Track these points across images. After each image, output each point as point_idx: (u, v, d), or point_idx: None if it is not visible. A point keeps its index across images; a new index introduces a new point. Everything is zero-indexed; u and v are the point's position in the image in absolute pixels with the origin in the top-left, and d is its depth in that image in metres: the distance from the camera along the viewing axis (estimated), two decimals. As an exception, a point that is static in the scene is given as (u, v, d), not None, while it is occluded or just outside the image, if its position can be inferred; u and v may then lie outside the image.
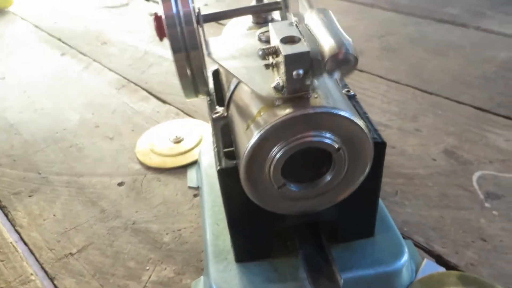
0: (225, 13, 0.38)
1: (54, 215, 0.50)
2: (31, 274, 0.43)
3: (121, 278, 0.42)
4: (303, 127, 0.28)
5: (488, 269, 0.40)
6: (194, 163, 0.55)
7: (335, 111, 0.29)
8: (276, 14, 0.42)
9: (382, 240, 0.38)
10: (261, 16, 0.40)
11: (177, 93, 0.72)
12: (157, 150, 0.58)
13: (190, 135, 0.59)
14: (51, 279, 0.43)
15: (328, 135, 0.29)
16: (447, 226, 0.44)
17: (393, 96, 0.66)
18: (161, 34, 0.35)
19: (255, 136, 0.28)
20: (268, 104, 0.30)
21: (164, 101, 0.70)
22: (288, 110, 0.28)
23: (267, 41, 0.36)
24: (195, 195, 0.51)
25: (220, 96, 0.40)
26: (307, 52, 0.27)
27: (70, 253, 0.45)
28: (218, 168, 0.32)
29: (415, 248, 0.42)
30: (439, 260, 0.41)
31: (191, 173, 0.54)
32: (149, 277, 0.42)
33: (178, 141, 0.58)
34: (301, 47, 0.27)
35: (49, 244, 0.46)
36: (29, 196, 0.53)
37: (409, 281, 0.38)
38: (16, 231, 0.49)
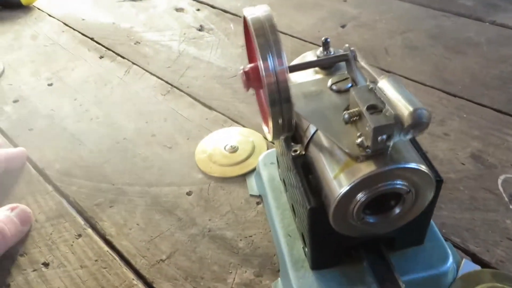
0: (299, 66, 0.44)
1: (137, 224, 0.58)
2: (133, 279, 0.51)
3: (210, 281, 0.50)
4: (382, 178, 0.36)
5: (515, 265, 0.49)
6: (251, 171, 0.63)
7: (407, 165, 0.36)
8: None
9: (430, 247, 0.47)
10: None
11: (219, 97, 0.79)
12: (215, 159, 0.65)
13: (243, 144, 0.67)
14: (150, 283, 0.51)
15: (400, 181, 0.37)
16: (478, 227, 0.53)
17: (421, 99, 0.71)
18: (250, 86, 0.42)
19: (346, 187, 0.36)
20: (353, 158, 0.37)
21: (210, 107, 0.77)
22: (372, 168, 0.35)
23: (339, 91, 0.43)
24: (257, 203, 0.59)
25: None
26: (393, 124, 0.34)
27: (161, 259, 0.53)
28: (308, 207, 0.39)
29: (454, 249, 0.51)
30: (474, 258, 0.50)
31: (251, 182, 0.62)
32: (234, 280, 0.50)
33: (233, 151, 0.66)
34: (386, 119, 0.34)
35: (140, 251, 0.54)
36: (110, 207, 0.60)
37: (453, 279, 0.47)
38: (107, 240, 0.57)
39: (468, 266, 0.48)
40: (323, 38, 0.46)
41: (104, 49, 0.96)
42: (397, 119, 0.34)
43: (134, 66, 0.90)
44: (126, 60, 0.92)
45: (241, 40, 0.93)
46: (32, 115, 0.79)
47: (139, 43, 0.98)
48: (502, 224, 0.53)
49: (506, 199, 0.56)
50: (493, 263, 0.49)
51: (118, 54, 0.94)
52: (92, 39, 1.00)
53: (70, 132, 0.74)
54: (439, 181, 0.40)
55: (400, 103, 0.34)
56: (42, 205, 0.61)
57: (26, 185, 0.65)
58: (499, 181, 0.58)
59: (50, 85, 0.86)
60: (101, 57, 0.94)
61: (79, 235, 0.57)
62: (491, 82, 0.75)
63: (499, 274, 0.47)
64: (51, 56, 0.95)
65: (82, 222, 0.58)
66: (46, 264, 0.54)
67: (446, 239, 0.51)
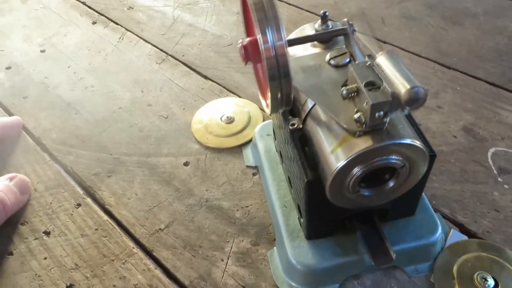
0: (298, 40, 0.44)
1: (136, 194, 0.59)
2: (133, 247, 0.53)
3: (208, 249, 0.52)
4: (378, 154, 0.37)
5: (500, 236, 0.51)
6: (247, 142, 0.64)
7: (402, 141, 0.37)
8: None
9: (420, 218, 0.49)
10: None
11: (214, 67, 0.78)
12: (211, 130, 0.65)
13: (239, 115, 0.67)
14: (150, 251, 0.53)
15: (395, 156, 0.38)
16: (467, 198, 0.55)
17: (416, 70, 0.73)
18: (248, 59, 0.42)
19: (343, 161, 0.37)
20: (350, 133, 0.38)
21: (205, 77, 0.76)
22: (369, 143, 0.36)
23: (337, 66, 0.43)
24: (253, 174, 0.60)
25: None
26: (390, 101, 0.34)
27: (160, 229, 0.55)
28: (306, 180, 0.40)
29: (443, 220, 0.52)
30: (462, 228, 0.52)
31: (247, 153, 0.62)
32: (231, 248, 0.52)
33: (229, 122, 0.66)
34: (384, 95, 0.35)
35: (140, 221, 0.56)
36: (108, 177, 0.61)
37: (441, 249, 0.49)
38: (106, 209, 0.58)
39: (456, 236, 0.50)
40: (321, 12, 0.46)
41: (97, 14, 0.94)
42: (394, 96, 0.35)
43: (128, 32, 0.88)
44: (119, 26, 0.90)
45: (237, 7, 0.92)
46: (26, 83, 0.78)
47: (132, 8, 0.96)
48: (490, 196, 0.55)
49: (495, 171, 0.57)
50: (479, 234, 0.51)
51: (111, 20, 0.92)
52: (84, 3, 0.98)
53: (65, 100, 0.74)
54: (432, 156, 0.41)
55: (398, 80, 0.35)
56: (41, 174, 0.62)
57: (23, 154, 0.65)
58: (489, 154, 0.59)
59: (42, 51, 0.85)
60: (94, 23, 0.92)
61: (79, 205, 0.58)
62: (486, 54, 0.75)
63: (485, 244, 0.49)
64: (42, 21, 0.93)
65: (81, 191, 0.59)
66: (47, 233, 0.55)
67: (436, 210, 0.53)
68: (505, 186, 0.56)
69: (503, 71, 0.71)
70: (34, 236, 0.55)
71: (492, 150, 0.60)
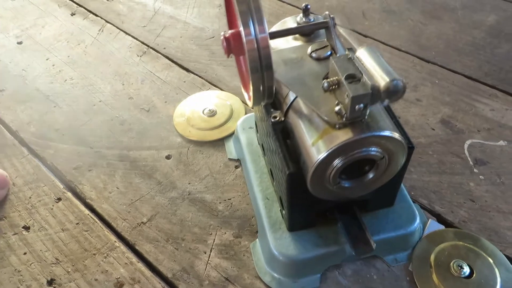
0: (280, 32, 0.44)
1: (117, 188, 0.58)
2: (115, 241, 0.53)
3: (190, 242, 0.52)
4: (358, 145, 0.37)
5: (476, 225, 0.52)
6: (230, 135, 0.64)
7: (382, 133, 0.38)
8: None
9: (399, 208, 0.50)
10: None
11: (196, 60, 0.78)
12: (193, 123, 0.65)
13: (221, 108, 0.67)
14: (133, 245, 0.53)
15: (375, 148, 0.38)
16: (444, 189, 0.56)
17: (396, 64, 0.74)
18: (231, 52, 0.42)
19: (324, 153, 0.37)
20: (331, 125, 0.38)
21: (187, 70, 0.76)
22: (349, 135, 0.37)
23: (318, 59, 0.43)
24: (236, 167, 0.60)
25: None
26: (369, 93, 0.35)
27: (142, 222, 0.55)
28: (287, 172, 0.41)
29: (422, 210, 0.54)
30: (439, 218, 0.53)
31: (229, 146, 0.63)
32: (214, 241, 0.52)
33: (211, 115, 0.66)
34: (364, 88, 0.35)
35: (121, 214, 0.55)
36: (89, 171, 0.61)
37: (419, 238, 0.50)
38: (87, 204, 0.57)
39: (433, 226, 0.52)
40: (303, 5, 0.46)
41: (76, 5, 0.92)
42: (374, 89, 0.35)
43: (108, 24, 0.87)
44: (99, 18, 0.89)
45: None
46: (3, 75, 0.76)
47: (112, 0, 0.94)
48: (466, 186, 0.56)
49: (471, 163, 0.59)
50: (456, 223, 0.53)
51: (91, 12, 0.91)
52: (61, -6, 0.96)
53: (43, 93, 0.73)
54: (410, 148, 0.42)
55: (377, 73, 0.35)
56: (19, 169, 0.61)
57: (1, 148, 0.64)
58: (466, 146, 0.61)
59: (19, 43, 0.83)
60: (72, 14, 0.90)
61: (59, 199, 0.57)
62: (463, 48, 0.77)
63: (461, 233, 0.51)
64: (19, 11, 0.91)
65: (61, 185, 0.59)
66: (26, 228, 0.54)
67: (414, 201, 0.54)
68: (480, 177, 0.57)
69: (480, 65, 0.73)
70: (13, 231, 0.54)
71: (468, 142, 0.61)
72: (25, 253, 0.52)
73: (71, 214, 0.55)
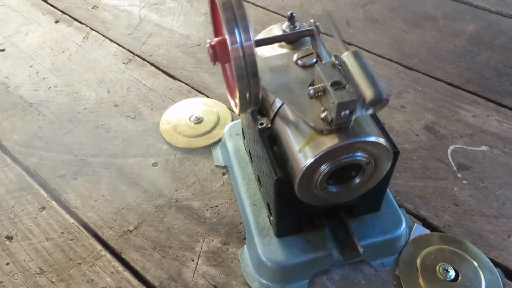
0: (265, 40, 0.44)
1: (103, 196, 0.58)
2: (101, 250, 0.52)
3: (178, 250, 0.52)
4: (344, 151, 0.38)
5: (460, 229, 0.53)
6: (216, 142, 0.64)
7: (367, 139, 0.38)
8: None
9: (386, 213, 0.50)
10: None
11: (182, 67, 0.78)
12: (180, 130, 0.65)
13: (208, 115, 0.67)
14: (119, 253, 0.52)
15: (361, 153, 0.39)
16: (429, 194, 0.57)
17: (379, 71, 0.75)
18: (217, 60, 0.42)
19: (311, 159, 0.38)
20: (317, 131, 0.39)
21: (173, 77, 0.76)
22: (335, 141, 0.37)
23: (304, 66, 0.44)
24: (223, 173, 0.60)
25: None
26: (355, 100, 0.35)
27: (129, 230, 0.54)
28: (275, 178, 0.41)
29: (407, 214, 0.54)
30: (424, 222, 0.54)
31: (216, 153, 0.62)
32: (201, 248, 0.52)
33: (198, 122, 0.66)
34: (350, 95, 0.36)
35: (107, 223, 0.55)
36: (74, 179, 0.60)
37: (405, 243, 0.51)
38: (72, 212, 0.56)
39: (419, 230, 0.52)
40: (288, 13, 0.46)
41: (60, 13, 0.92)
42: (360, 96, 0.36)
43: (93, 32, 0.87)
44: (83, 26, 0.88)
45: (204, 7, 0.91)
46: (-15, 83, 0.75)
47: (97, 7, 0.94)
48: (450, 191, 0.57)
49: (455, 168, 0.60)
50: (441, 227, 0.53)
51: (75, 19, 0.90)
52: (45, 1, 0.95)
53: (27, 101, 0.72)
54: (396, 153, 0.42)
55: (363, 80, 0.36)
56: (2, 177, 0.60)
57: (-17, 157, 0.63)
58: (449, 151, 0.62)
59: (2, 50, 0.82)
60: (56, 22, 0.89)
61: (43, 208, 0.56)
62: (445, 56, 0.78)
63: (446, 237, 0.51)
64: (1, 19, 0.90)
65: (45, 194, 0.58)
66: (9, 238, 0.53)
67: (400, 206, 0.54)
68: (464, 181, 0.58)
69: (461, 72, 0.75)
70: (-4, 241, 0.53)
71: (451, 147, 0.62)
72: (7, 264, 0.51)
73: (56, 223, 0.54)
